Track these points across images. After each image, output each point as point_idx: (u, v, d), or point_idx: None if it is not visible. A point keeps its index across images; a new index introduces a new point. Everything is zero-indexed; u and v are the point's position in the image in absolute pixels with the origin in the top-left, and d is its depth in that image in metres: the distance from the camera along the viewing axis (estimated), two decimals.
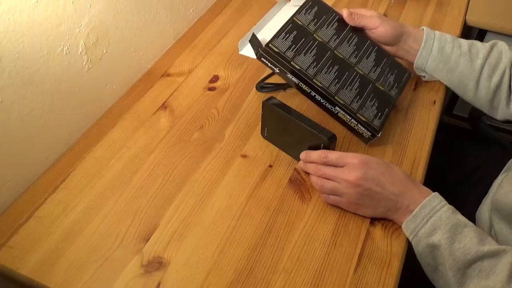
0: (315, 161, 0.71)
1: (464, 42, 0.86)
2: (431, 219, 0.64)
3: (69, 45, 0.73)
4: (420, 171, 0.77)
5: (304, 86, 0.77)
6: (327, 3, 0.86)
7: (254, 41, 0.80)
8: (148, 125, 0.83)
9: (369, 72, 0.82)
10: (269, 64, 0.76)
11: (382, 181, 0.67)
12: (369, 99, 0.80)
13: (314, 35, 0.80)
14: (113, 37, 0.82)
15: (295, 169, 0.76)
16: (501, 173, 0.85)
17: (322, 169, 0.70)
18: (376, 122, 0.78)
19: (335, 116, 0.79)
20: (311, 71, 0.77)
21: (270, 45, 0.76)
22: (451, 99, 1.48)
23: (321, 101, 0.77)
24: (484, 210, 0.80)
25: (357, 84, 0.80)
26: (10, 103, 0.66)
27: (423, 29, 0.87)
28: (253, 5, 1.12)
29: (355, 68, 0.81)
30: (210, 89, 0.90)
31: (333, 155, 0.69)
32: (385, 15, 0.89)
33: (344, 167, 0.68)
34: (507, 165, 0.86)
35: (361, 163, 0.67)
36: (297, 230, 0.68)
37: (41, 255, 0.64)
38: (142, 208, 0.70)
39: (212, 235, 0.67)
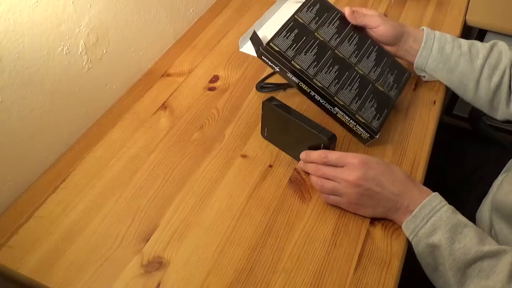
0: (315, 161, 0.71)
1: (464, 42, 0.86)
2: (431, 219, 0.64)
3: (69, 45, 0.73)
4: (420, 171, 0.77)
5: (304, 86, 0.77)
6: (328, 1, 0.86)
7: (254, 39, 0.80)
8: (148, 125, 0.83)
9: (369, 72, 0.82)
10: (269, 63, 0.76)
11: (382, 181, 0.67)
12: (369, 100, 0.79)
13: (315, 33, 0.80)
14: (113, 37, 0.82)
15: (295, 169, 0.76)
16: (501, 173, 0.85)
17: (322, 169, 0.70)
18: (375, 124, 0.78)
19: (334, 116, 0.79)
20: (311, 71, 0.77)
21: (271, 44, 0.75)
22: (451, 99, 1.48)
23: (321, 101, 0.77)
24: (484, 210, 0.80)
25: (356, 84, 0.80)
26: (10, 103, 0.66)
27: (423, 29, 0.87)
28: (253, 5, 1.12)
29: (355, 68, 0.81)
30: (210, 89, 0.90)
31: (333, 155, 0.69)
32: (385, 15, 0.89)
33: (344, 167, 0.68)
34: (507, 165, 0.86)
35: (361, 163, 0.67)
36: (297, 230, 0.68)
37: (41, 255, 0.64)
38: (142, 208, 0.70)
39: (212, 235, 0.67)
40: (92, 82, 0.80)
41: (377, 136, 0.78)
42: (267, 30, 1.03)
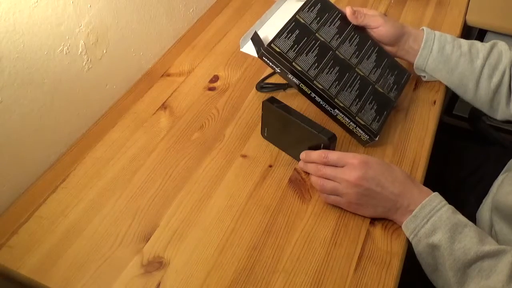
0: (315, 161, 0.71)
1: (464, 42, 0.86)
2: (431, 219, 0.64)
3: (69, 45, 0.73)
4: (420, 171, 0.77)
5: (304, 87, 0.77)
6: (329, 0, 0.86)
7: (256, 39, 0.80)
8: (148, 125, 0.83)
9: (369, 74, 0.82)
10: (270, 63, 0.76)
11: (382, 181, 0.67)
12: (368, 102, 0.79)
13: (317, 34, 0.80)
14: (113, 37, 0.82)
15: (295, 169, 0.76)
16: (501, 173, 0.86)
17: (322, 169, 0.70)
18: (375, 126, 0.78)
19: (334, 118, 0.79)
20: (312, 73, 0.76)
21: (272, 45, 0.75)
22: (451, 99, 1.49)
23: (321, 102, 0.77)
24: (485, 210, 0.81)
25: (357, 86, 0.80)
26: (10, 103, 0.66)
27: (423, 29, 0.87)
28: (253, 5, 1.12)
29: (356, 69, 0.81)
30: (210, 89, 0.90)
31: (333, 155, 0.69)
32: (385, 15, 0.89)
33: (344, 167, 0.68)
34: (507, 165, 0.86)
35: (361, 163, 0.67)
36: (297, 230, 0.68)
37: (41, 255, 0.64)
38: (142, 208, 0.70)
39: (212, 235, 0.67)
40: (92, 82, 0.80)
41: (377, 139, 0.78)
42: (268, 30, 1.03)
